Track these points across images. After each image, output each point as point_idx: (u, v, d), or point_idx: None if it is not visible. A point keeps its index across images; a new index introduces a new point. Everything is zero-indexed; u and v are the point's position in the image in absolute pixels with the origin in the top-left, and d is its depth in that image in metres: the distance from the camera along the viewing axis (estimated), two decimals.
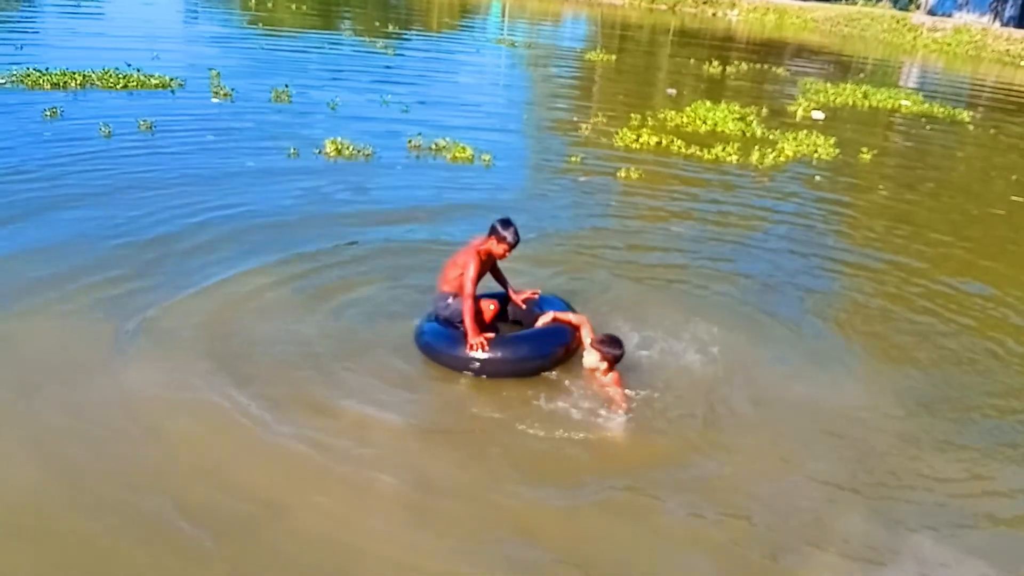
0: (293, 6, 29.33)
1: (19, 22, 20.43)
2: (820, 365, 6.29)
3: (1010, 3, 41.79)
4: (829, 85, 21.11)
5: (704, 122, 14.68)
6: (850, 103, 19.32)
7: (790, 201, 10.79)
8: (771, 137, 14.15)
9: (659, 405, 5.43)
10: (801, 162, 12.97)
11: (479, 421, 5.27)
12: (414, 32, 27.64)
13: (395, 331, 6.11)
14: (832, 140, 14.09)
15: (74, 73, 13.20)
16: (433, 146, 11.40)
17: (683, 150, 12.67)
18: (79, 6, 23.44)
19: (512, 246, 5.72)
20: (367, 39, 22.55)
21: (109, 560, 3.90)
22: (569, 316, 5.83)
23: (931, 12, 45.14)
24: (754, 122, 15.04)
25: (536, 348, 5.72)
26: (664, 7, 48.79)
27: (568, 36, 34.74)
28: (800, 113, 17.14)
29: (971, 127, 17.98)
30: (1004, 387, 6.24)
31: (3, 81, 12.53)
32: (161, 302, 6.25)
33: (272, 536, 4.11)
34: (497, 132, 13.32)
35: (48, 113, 11.01)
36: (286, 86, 13.98)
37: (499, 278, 6.10)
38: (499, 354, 5.54)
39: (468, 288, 5.53)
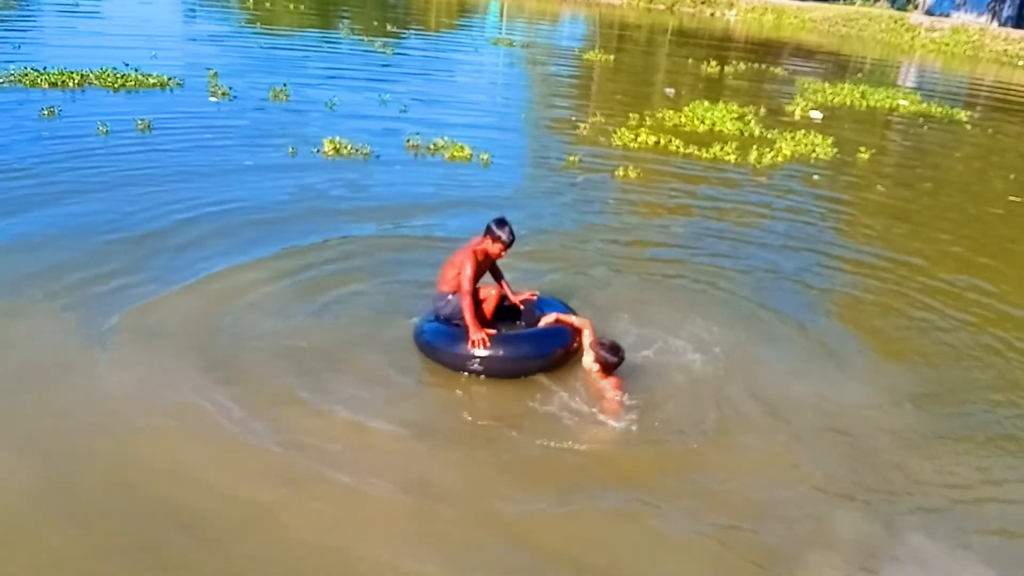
0: (291, 5, 29.32)
1: (17, 21, 20.39)
2: (819, 363, 6.29)
3: (1008, 3, 41.82)
4: (827, 85, 21.12)
5: (702, 122, 14.68)
6: (848, 103, 19.33)
7: (788, 200, 10.80)
8: (769, 136, 14.16)
9: (657, 405, 5.43)
10: (799, 161, 12.97)
11: (476, 423, 5.26)
12: (412, 31, 27.64)
13: (391, 330, 6.11)
14: (830, 139, 14.10)
15: (72, 72, 13.19)
16: (431, 145, 11.39)
17: (681, 149, 12.67)
18: (77, 5, 23.42)
19: (507, 245, 5.72)
20: (365, 38, 22.53)
21: (93, 564, 3.87)
22: (572, 319, 5.82)
23: (929, 12, 45.18)
24: (752, 122, 15.05)
25: (537, 347, 5.71)
26: (662, 7, 48.81)
27: (566, 36, 34.75)
28: (798, 113, 17.15)
29: (969, 127, 18.00)
30: (1004, 385, 6.25)
31: (1, 80, 12.51)
32: (152, 298, 6.25)
33: (264, 539, 4.08)
34: (495, 131, 13.33)
35: (46, 112, 11.00)
36: (284, 85, 13.98)
37: (498, 280, 6.10)
38: (500, 352, 5.53)
39: (466, 285, 5.55)
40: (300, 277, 6.89)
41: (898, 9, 46.93)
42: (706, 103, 15.95)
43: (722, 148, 12.66)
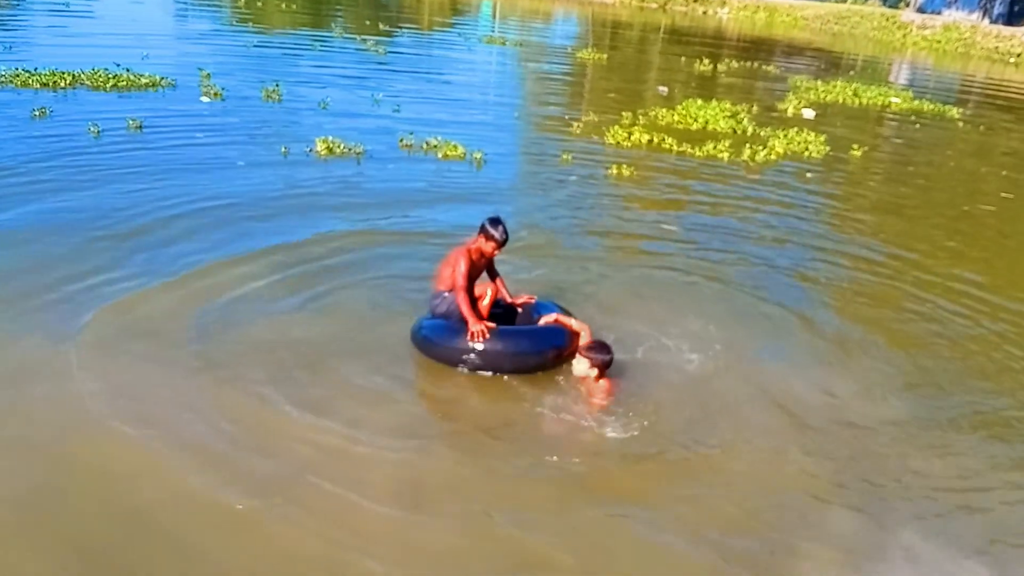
0: (283, 5, 29.25)
1: (8, 21, 20.30)
2: (813, 360, 6.30)
3: (999, 1, 41.98)
4: (819, 83, 21.18)
5: (695, 120, 14.70)
6: (840, 100, 19.39)
7: (781, 197, 10.82)
8: (762, 134, 14.19)
9: (651, 405, 5.42)
10: (792, 159, 13.00)
11: (468, 427, 5.23)
12: (405, 31, 27.60)
13: (381, 328, 6.10)
14: (823, 137, 14.14)
15: (63, 73, 13.13)
16: (425, 144, 11.38)
17: (674, 148, 12.69)
18: (68, 5, 23.30)
19: (500, 244, 5.73)
20: (358, 38, 22.49)
21: (90, 561, 3.85)
22: (571, 321, 5.81)
23: (920, 10, 45.32)
24: (745, 119, 15.08)
25: (535, 344, 5.71)
26: (655, 5, 48.90)
27: (559, 34, 34.76)
28: (791, 110, 17.19)
29: (961, 124, 18.06)
30: (998, 380, 6.28)
31: None
32: (145, 296, 6.22)
33: (251, 546, 4.05)
34: (488, 130, 13.32)
35: (37, 113, 10.96)
36: (277, 85, 13.95)
37: (493, 279, 6.10)
38: (497, 347, 5.53)
39: (460, 281, 5.59)
40: (289, 275, 6.87)
41: (890, 7, 47.07)
42: (699, 101, 15.97)
43: (715, 146, 12.68)
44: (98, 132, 10.43)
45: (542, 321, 5.81)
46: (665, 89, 18.85)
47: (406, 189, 9.62)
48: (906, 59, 35.21)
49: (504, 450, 4.92)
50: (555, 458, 4.85)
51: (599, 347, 5.46)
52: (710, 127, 14.41)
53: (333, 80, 16.04)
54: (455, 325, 5.62)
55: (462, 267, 5.60)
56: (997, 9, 41.97)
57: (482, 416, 5.33)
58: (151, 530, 4.04)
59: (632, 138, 12.96)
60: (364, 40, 22.04)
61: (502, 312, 6.01)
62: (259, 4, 29.10)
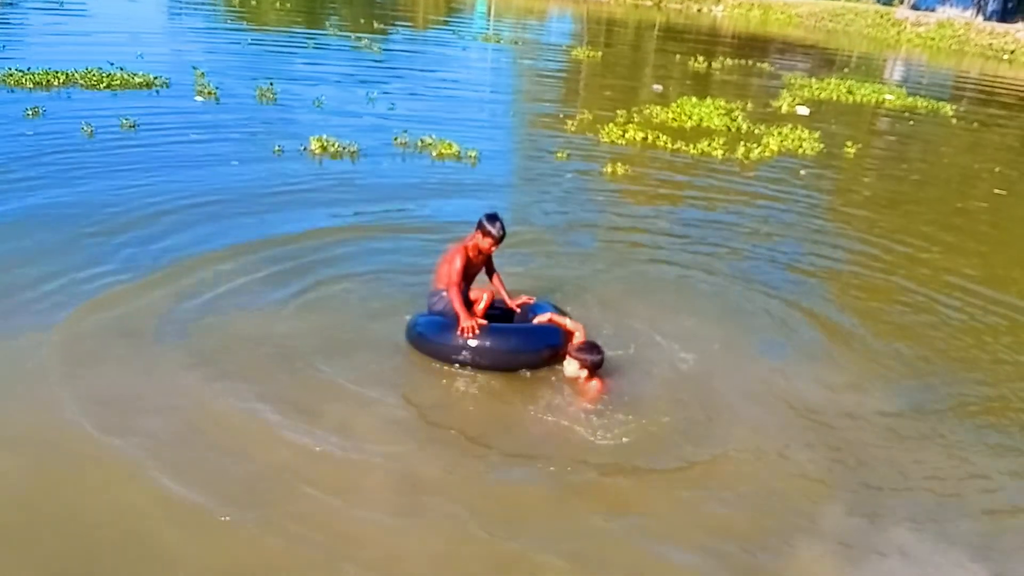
0: (277, 3, 29.17)
1: (0, 21, 20.23)
2: (807, 357, 6.32)
3: None
4: (814, 80, 21.21)
5: (690, 117, 14.71)
6: (835, 98, 19.42)
7: (775, 194, 10.84)
8: (756, 132, 14.20)
9: (644, 402, 5.43)
10: (786, 156, 13.02)
11: (464, 424, 5.22)
12: (400, 29, 27.57)
13: (375, 325, 6.11)
14: (817, 134, 14.17)
15: (57, 72, 13.10)
16: (419, 143, 11.38)
17: (669, 145, 12.71)
18: (62, 5, 23.23)
19: (498, 240, 5.74)
20: (352, 36, 22.46)
21: (85, 559, 3.85)
22: (566, 321, 5.80)
23: (914, 7, 45.37)
24: (739, 117, 15.10)
25: (527, 342, 5.71)
26: (649, 3, 48.88)
27: (554, 33, 34.72)
28: (785, 108, 17.21)
29: (954, 120, 18.10)
30: (990, 374, 6.32)
31: None
32: (130, 292, 6.22)
33: (256, 533, 4.07)
34: (483, 128, 13.33)
35: (30, 112, 10.93)
36: (271, 84, 13.92)
37: (490, 276, 6.11)
38: (488, 343, 5.54)
39: (454, 278, 5.61)
40: (279, 271, 6.89)
41: (884, 4, 47.08)
42: (694, 99, 15.99)
43: (710, 144, 12.70)
44: (91, 131, 10.41)
45: (536, 320, 5.82)
46: (660, 87, 18.86)
47: (400, 187, 9.62)
48: (900, 56, 35.27)
49: (496, 452, 4.91)
50: (547, 459, 4.85)
51: (588, 348, 5.46)
52: (704, 124, 14.42)
53: (327, 78, 16.02)
54: (449, 322, 5.62)
55: (457, 264, 5.63)
56: (991, 6, 42.03)
57: (473, 417, 5.33)
58: (129, 536, 4.01)
59: (627, 136, 12.97)
60: (359, 38, 22.01)
61: (500, 313, 6.02)
62: (253, 3, 29.04)
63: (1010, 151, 16.35)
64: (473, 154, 11.11)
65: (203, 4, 28.97)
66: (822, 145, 13.75)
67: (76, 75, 13.22)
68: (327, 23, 26.65)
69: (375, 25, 25.86)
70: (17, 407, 4.86)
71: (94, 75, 13.33)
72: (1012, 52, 35.96)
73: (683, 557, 4.23)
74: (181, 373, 5.31)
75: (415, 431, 5.03)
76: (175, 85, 13.77)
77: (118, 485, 4.31)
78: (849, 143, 14.01)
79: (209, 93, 13.35)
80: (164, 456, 4.53)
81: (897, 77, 27.45)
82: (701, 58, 23.80)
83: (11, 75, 12.64)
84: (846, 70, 25.43)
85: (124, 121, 10.92)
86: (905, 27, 41.28)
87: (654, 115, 14.82)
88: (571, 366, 5.44)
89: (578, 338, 5.66)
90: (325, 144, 10.70)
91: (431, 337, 5.69)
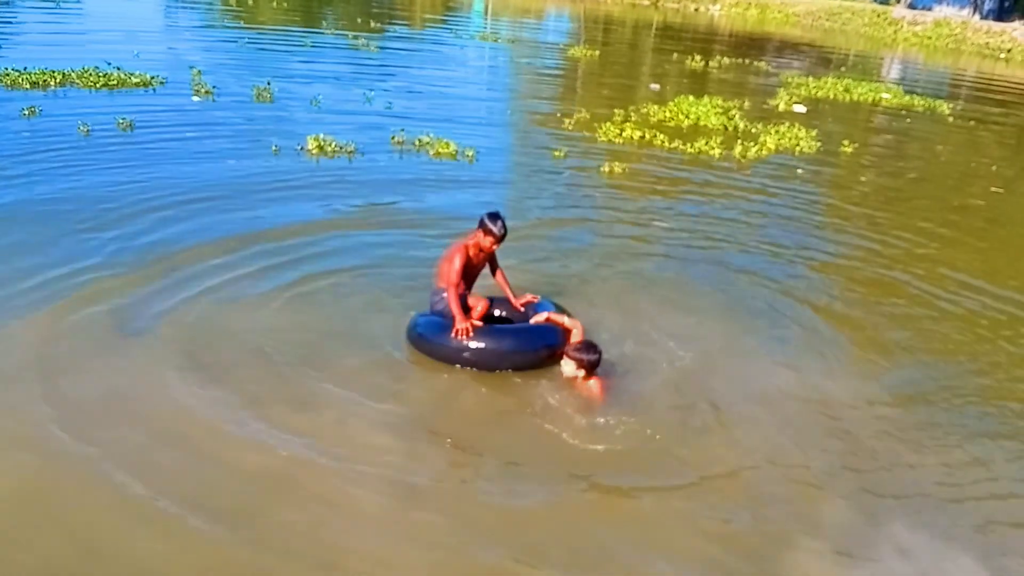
0: (274, 3, 29.14)
1: None
2: (805, 355, 6.32)
3: None
4: (811, 79, 21.21)
5: (687, 116, 14.72)
6: (832, 96, 19.43)
7: (772, 193, 10.85)
8: (753, 131, 14.21)
9: (642, 402, 5.43)
10: (783, 155, 13.04)
11: (461, 423, 5.24)
12: (397, 28, 27.54)
13: (372, 324, 6.09)
14: (814, 133, 14.18)
15: (53, 72, 13.07)
16: (417, 142, 11.37)
17: (666, 144, 12.71)
18: (58, 4, 23.19)
19: (499, 239, 5.72)
20: (349, 35, 22.43)
21: (88, 555, 3.85)
22: (563, 319, 5.79)
23: (911, 6, 45.41)
24: (736, 116, 15.10)
25: (523, 342, 5.70)
26: (646, 2, 48.84)
27: (551, 32, 34.70)
28: (782, 106, 17.22)
29: (951, 119, 18.12)
30: (988, 370, 6.34)
31: None
32: (137, 299, 6.18)
33: (244, 541, 4.04)
34: (480, 127, 13.33)
35: (26, 112, 10.91)
36: (268, 83, 13.91)
37: (500, 281, 6.09)
38: (484, 344, 5.53)
39: (453, 278, 5.60)
40: (275, 269, 6.88)
41: (881, 3, 47.12)
42: (691, 98, 15.99)
43: (707, 142, 12.71)
44: (88, 131, 10.40)
45: (533, 319, 5.82)
46: (657, 86, 18.87)
47: (397, 185, 9.61)
48: (897, 55, 35.31)
49: (490, 455, 4.90)
50: (543, 462, 4.83)
51: (585, 347, 5.45)
52: (702, 123, 14.43)
53: (325, 78, 16.00)
54: (447, 323, 5.62)
55: (457, 263, 5.62)
56: (987, 5, 42.10)
57: (467, 419, 5.32)
58: (159, 513, 4.04)
59: (624, 134, 12.98)
60: (356, 37, 21.98)
61: (504, 313, 6.04)
62: (250, 2, 28.98)
63: (1007, 149, 16.38)
64: (470, 153, 11.11)
65: (200, 3, 28.93)
66: (819, 143, 13.76)
67: (73, 75, 13.19)
68: (324, 22, 26.62)
69: (372, 24, 25.82)
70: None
71: (91, 74, 13.31)
72: (1008, 51, 36.02)
73: (681, 558, 4.22)
74: (164, 373, 5.28)
75: (408, 434, 4.99)
76: (172, 84, 13.75)
77: (91, 493, 4.23)
78: (846, 141, 14.03)
79: (206, 92, 13.34)
80: (144, 462, 4.47)
81: (894, 76, 27.48)
82: (698, 57, 23.81)
83: (7, 75, 12.61)
84: (843, 69, 25.45)
85: (121, 120, 10.90)
86: (902, 26, 41.32)
87: (651, 114, 14.82)
88: (568, 366, 5.44)
89: (576, 337, 5.65)
90: (322, 143, 10.69)
91: (429, 337, 5.68)
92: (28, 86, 12.46)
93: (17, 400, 4.89)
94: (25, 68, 12.99)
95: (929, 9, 43.88)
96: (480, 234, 5.72)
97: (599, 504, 4.59)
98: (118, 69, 13.75)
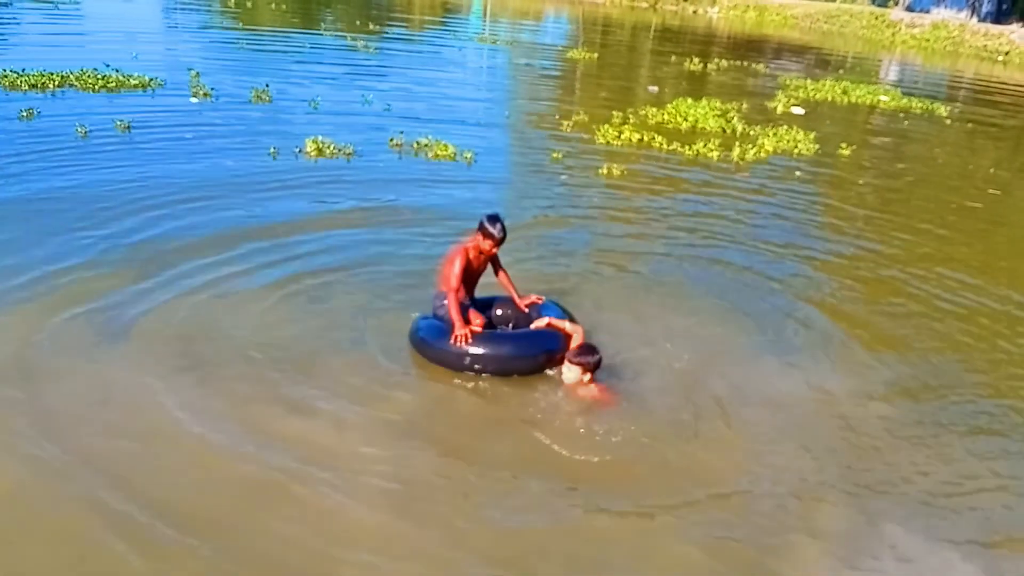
0: (273, 5, 29.16)
1: None
2: (805, 356, 6.32)
3: None
4: (809, 81, 21.25)
5: (685, 119, 14.73)
6: (830, 99, 19.46)
7: (770, 195, 10.86)
8: (751, 133, 14.23)
9: (641, 405, 5.42)
10: (781, 157, 13.04)
11: (459, 426, 5.22)
12: (396, 30, 27.56)
13: (369, 326, 6.08)
14: (812, 135, 14.20)
15: (52, 74, 13.07)
16: (415, 144, 11.38)
17: (664, 146, 12.72)
18: (56, 7, 23.19)
19: (499, 241, 5.69)
20: (348, 38, 22.45)
21: (84, 560, 3.83)
22: (564, 324, 5.76)
23: (909, 8, 45.50)
24: (735, 118, 15.12)
25: (523, 348, 5.68)
26: (645, 5, 48.95)
27: (550, 34, 34.76)
28: (780, 109, 17.25)
29: (949, 121, 18.15)
30: (987, 374, 6.33)
31: None
32: (126, 297, 6.16)
33: (242, 543, 4.02)
34: (479, 129, 13.32)
35: (24, 114, 10.90)
36: (266, 85, 13.91)
37: (504, 282, 6.09)
38: (483, 350, 5.52)
39: (453, 283, 5.56)
40: (271, 270, 6.88)
41: (879, 5, 47.21)
42: (689, 100, 16.00)
43: (705, 145, 12.72)
44: (86, 132, 10.40)
45: (534, 324, 5.81)
46: (655, 88, 18.89)
47: (395, 188, 9.60)
48: (895, 57, 35.37)
49: (493, 455, 4.88)
50: (545, 461, 4.83)
51: (584, 350, 5.44)
52: (700, 126, 14.44)
53: (323, 80, 16.01)
54: (447, 327, 5.59)
55: (456, 267, 5.58)
56: (985, 7, 42.17)
57: (470, 419, 5.31)
58: (157, 514, 4.03)
59: (622, 137, 12.99)
60: (355, 39, 22.00)
61: (508, 313, 6.06)
62: (248, 4, 28.99)
63: (1004, 152, 16.40)
64: (469, 155, 11.12)
65: (198, 5, 28.94)
66: (817, 146, 13.77)
67: (72, 76, 13.19)
68: (322, 24, 26.64)
69: (371, 26, 25.85)
70: None
71: (90, 76, 13.31)
72: (1006, 53, 36.09)
73: (681, 557, 4.22)
74: (165, 372, 5.26)
75: (412, 432, 4.98)
76: (170, 86, 13.76)
77: (77, 500, 4.18)
78: (844, 144, 14.04)
79: (204, 94, 13.34)
80: (127, 467, 4.42)
81: (892, 78, 27.52)
82: (696, 59, 23.85)
83: (6, 77, 12.61)
84: (841, 71, 25.49)
85: (119, 122, 10.90)
86: (900, 28, 41.41)
87: (650, 116, 14.83)
88: (570, 372, 5.42)
89: (576, 342, 5.63)
90: (321, 146, 10.69)
91: (430, 342, 5.66)
92: (27, 88, 12.45)
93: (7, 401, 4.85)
94: (24, 70, 12.99)
95: (927, 11, 43.95)
96: (479, 237, 5.70)
97: (596, 504, 4.56)
98: (117, 71, 13.75)
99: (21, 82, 12.57)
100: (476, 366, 5.52)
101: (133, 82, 13.47)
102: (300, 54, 19.17)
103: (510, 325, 6.09)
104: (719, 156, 12.44)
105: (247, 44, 19.90)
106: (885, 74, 28.94)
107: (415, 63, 20.46)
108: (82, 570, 3.80)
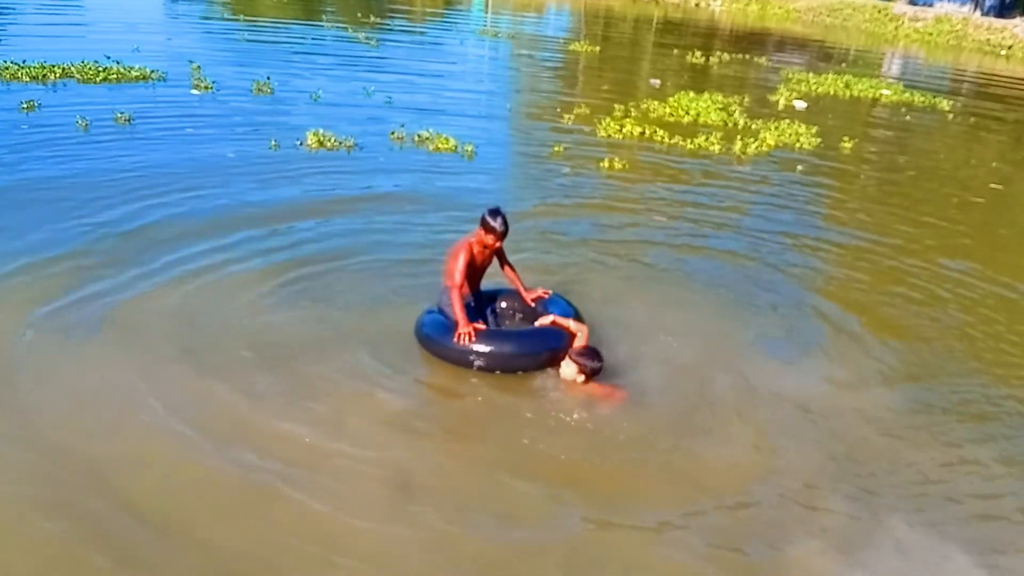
0: None
1: None
2: (805, 351, 6.33)
3: None
4: (811, 75, 21.17)
5: (687, 112, 14.70)
6: (832, 92, 19.40)
7: (772, 189, 10.84)
8: (753, 127, 14.19)
9: (641, 401, 5.41)
10: (783, 151, 13.02)
11: (460, 423, 5.23)
12: (397, 23, 27.48)
13: (369, 321, 6.07)
14: (814, 129, 14.16)
15: (53, 66, 13.06)
16: (416, 137, 11.36)
17: (666, 140, 12.70)
18: None
19: (501, 236, 5.64)
20: (350, 30, 22.40)
21: (75, 554, 3.83)
22: (569, 322, 5.74)
23: (912, 2, 45.31)
24: (737, 112, 15.09)
25: (527, 346, 5.66)
26: None
27: (552, 27, 34.63)
28: (782, 103, 17.19)
29: (951, 116, 18.10)
30: (989, 369, 6.32)
31: None
32: (125, 290, 6.17)
33: (242, 538, 4.02)
34: (480, 122, 13.30)
35: (25, 106, 10.89)
36: (268, 77, 13.90)
37: (511, 275, 6.07)
38: (487, 347, 5.50)
39: (456, 278, 5.52)
40: (271, 262, 6.88)
41: None
42: (691, 94, 15.97)
43: (707, 138, 12.69)
44: (86, 125, 10.39)
45: (539, 322, 5.80)
46: (657, 82, 18.83)
47: (396, 183, 9.59)
48: (898, 51, 35.23)
49: (489, 456, 4.87)
50: (543, 459, 4.82)
51: (589, 354, 5.43)
52: (702, 119, 14.41)
53: (324, 72, 15.97)
54: (451, 323, 5.57)
55: (460, 263, 5.53)
56: (988, 1, 42.02)
57: (474, 412, 5.32)
58: (156, 508, 4.03)
59: (624, 130, 12.97)
60: (356, 32, 21.95)
61: (515, 306, 6.07)
62: None
63: (1006, 146, 16.35)
64: (470, 148, 11.10)
65: None
66: (819, 139, 13.74)
67: (72, 68, 13.18)
68: (323, 16, 26.56)
69: (372, 18, 25.78)
70: None
71: (90, 68, 13.30)
72: (1009, 47, 35.96)
73: (680, 554, 4.22)
74: (163, 364, 5.25)
75: (411, 428, 4.97)
76: (171, 78, 13.73)
77: (54, 504, 4.14)
78: (846, 137, 14.01)
79: (205, 86, 13.32)
80: (125, 458, 4.43)
81: (895, 72, 27.43)
82: (699, 53, 23.76)
83: (7, 68, 12.60)
84: (843, 65, 25.39)
85: (120, 115, 10.88)
86: (903, 22, 41.25)
87: (651, 109, 14.79)
88: (568, 369, 5.42)
89: (580, 341, 5.61)
90: (322, 138, 10.68)
91: (434, 337, 5.65)
92: (27, 80, 12.44)
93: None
94: (24, 61, 12.99)
95: (930, 5, 43.78)
96: (481, 231, 5.65)
97: (596, 501, 4.56)
98: (117, 63, 13.73)
99: (22, 74, 12.56)
100: (479, 364, 5.51)
101: (134, 74, 13.45)
102: (301, 46, 19.12)
103: (516, 318, 6.08)
104: (721, 149, 12.42)
105: (248, 36, 19.85)
106: (888, 68, 28.83)
107: (416, 55, 20.41)
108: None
